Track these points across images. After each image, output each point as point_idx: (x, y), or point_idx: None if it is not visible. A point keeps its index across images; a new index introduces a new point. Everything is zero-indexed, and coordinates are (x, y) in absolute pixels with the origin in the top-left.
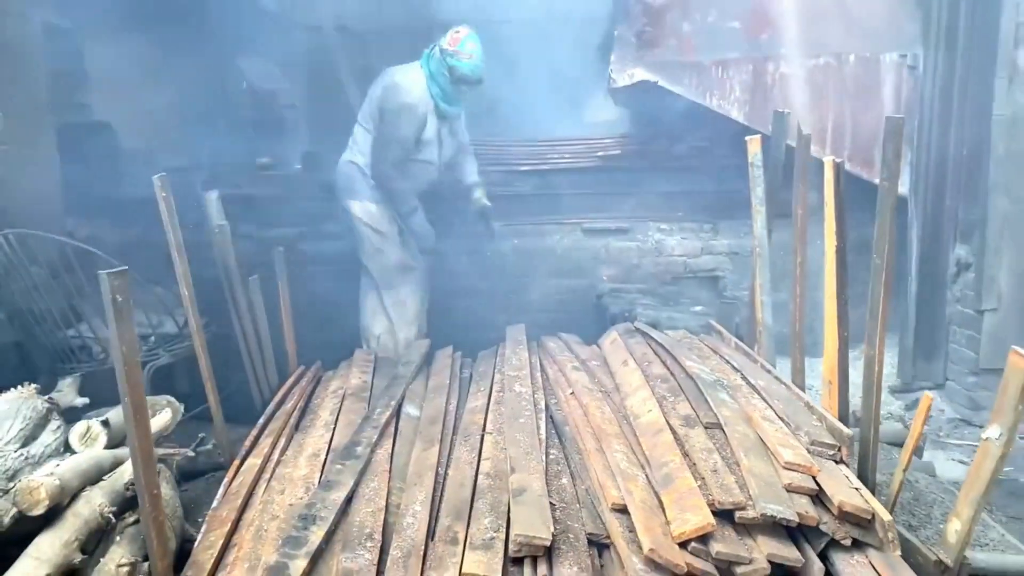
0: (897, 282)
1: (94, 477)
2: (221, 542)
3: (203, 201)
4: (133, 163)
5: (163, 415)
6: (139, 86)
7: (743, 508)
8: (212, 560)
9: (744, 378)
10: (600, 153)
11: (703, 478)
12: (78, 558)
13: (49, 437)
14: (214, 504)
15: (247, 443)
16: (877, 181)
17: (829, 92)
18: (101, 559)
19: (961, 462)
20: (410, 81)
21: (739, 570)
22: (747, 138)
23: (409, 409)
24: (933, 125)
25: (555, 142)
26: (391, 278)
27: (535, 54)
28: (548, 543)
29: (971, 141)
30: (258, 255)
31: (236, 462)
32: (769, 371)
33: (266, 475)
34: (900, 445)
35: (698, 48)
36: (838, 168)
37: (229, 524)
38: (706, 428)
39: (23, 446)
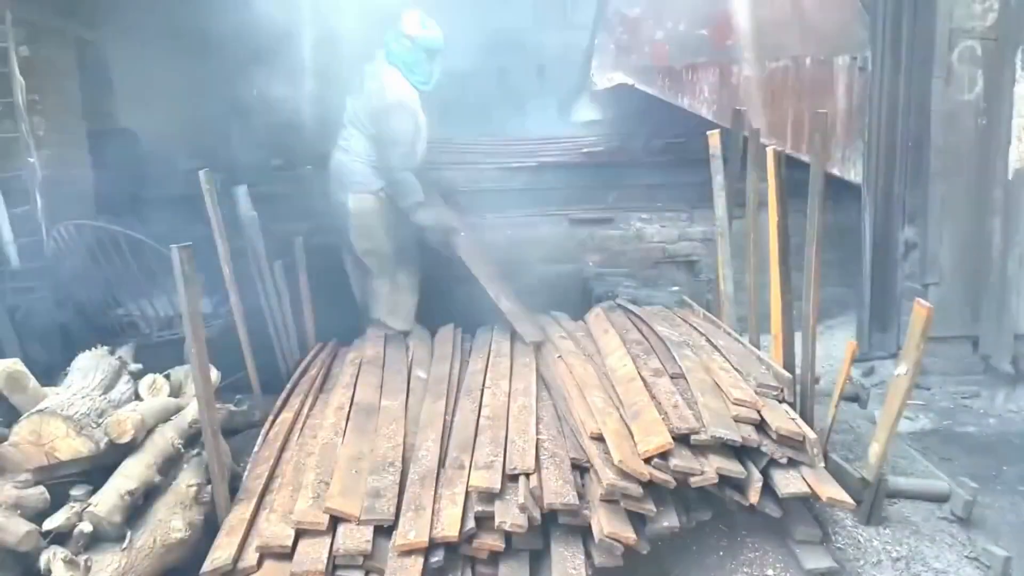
0: (853, 262)
1: (164, 417)
2: (267, 474)
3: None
4: (154, 166)
5: (212, 372)
6: (158, 94)
7: (697, 432)
8: (261, 486)
9: (708, 340)
10: (585, 150)
11: (666, 413)
12: (157, 478)
13: (123, 387)
14: (256, 448)
15: (279, 402)
16: (834, 171)
17: (788, 91)
18: (173, 481)
19: (906, 418)
20: (393, 80)
21: (692, 480)
22: (708, 132)
23: (418, 372)
24: (881, 120)
25: (544, 140)
26: (387, 266)
27: (526, 60)
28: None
29: (914, 134)
30: (274, 246)
31: (271, 417)
32: (729, 333)
33: (299, 425)
34: (854, 400)
35: (670, 54)
36: (779, 155)
37: (272, 460)
38: (672, 378)
39: (104, 393)
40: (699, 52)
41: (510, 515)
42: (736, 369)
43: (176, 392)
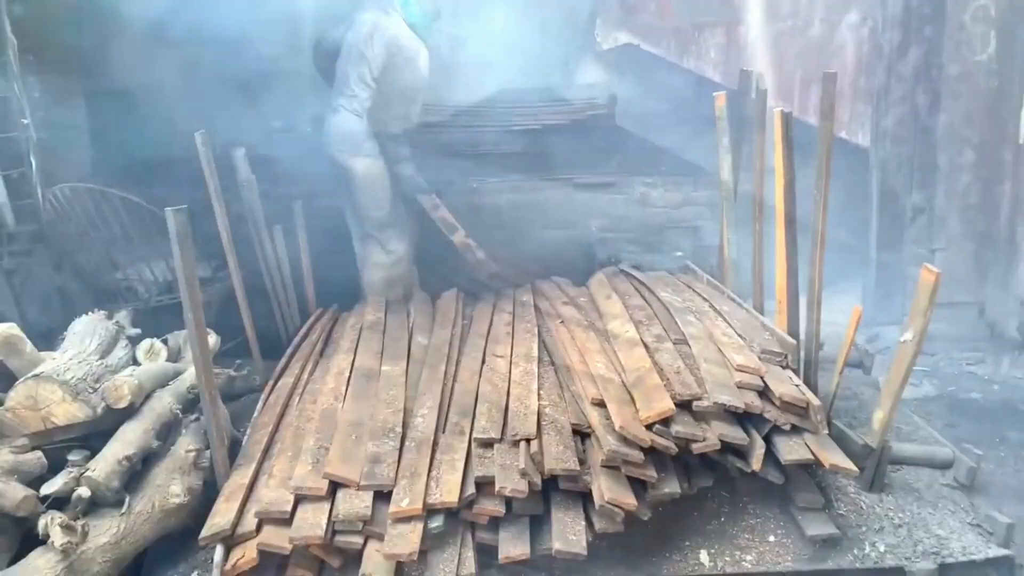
0: (860, 228)
1: (162, 382)
2: (266, 439)
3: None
4: (153, 128)
5: (211, 337)
6: (156, 56)
7: (699, 399)
8: (260, 451)
9: (711, 306)
10: (589, 112)
11: (668, 379)
12: (155, 443)
13: (120, 352)
14: (255, 414)
15: (279, 367)
16: (842, 134)
17: (795, 52)
18: (172, 446)
19: (910, 384)
20: (403, 29)
21: (694, 446)
22: (714, 94)
23: (420, 338)
24: (890, 82)
25: (547, 102)
26: (388, 229)
27: (530, 20)
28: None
29: (923, 97)
30: (274, 210)
31: (271, 382)
32: (733, 299)
33: (299, 390)
34: (858, 366)
35: (676, 14)
36: (785, 117)
37: (271, 426)
38: (674, 344)
39: (101, 358)
40: (706, 12)
41: (510, 480)
42: (740, 335)
43: (174, 357)
